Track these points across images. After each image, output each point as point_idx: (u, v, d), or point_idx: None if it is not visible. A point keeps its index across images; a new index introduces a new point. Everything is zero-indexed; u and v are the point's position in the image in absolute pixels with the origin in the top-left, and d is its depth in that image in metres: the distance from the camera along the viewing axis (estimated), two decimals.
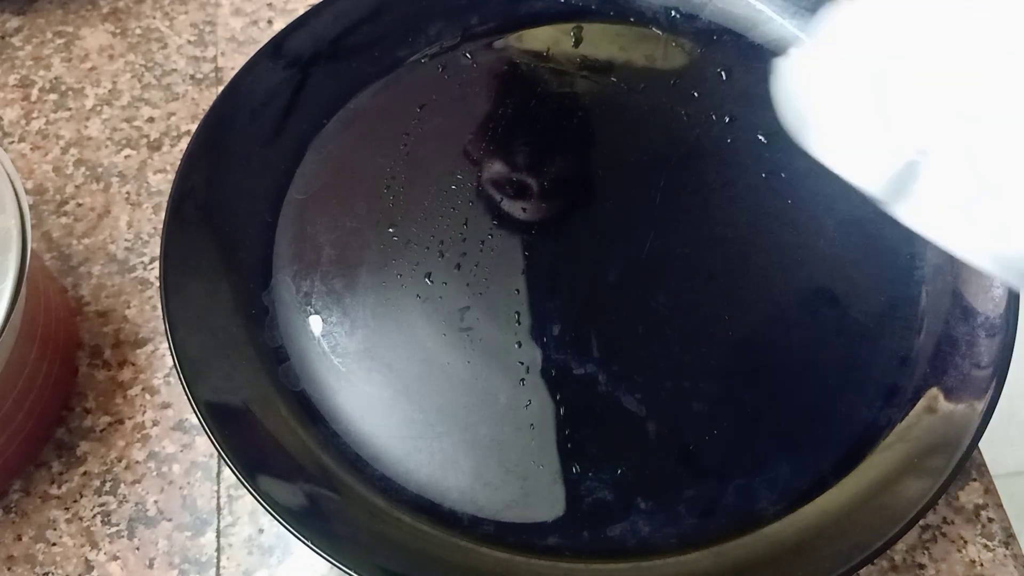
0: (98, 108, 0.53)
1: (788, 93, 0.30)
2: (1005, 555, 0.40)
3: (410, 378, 0.40)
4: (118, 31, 0.57)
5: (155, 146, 0.52)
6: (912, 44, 0.26)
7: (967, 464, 0.42)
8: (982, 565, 0.40)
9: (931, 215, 0.27)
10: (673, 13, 0.50)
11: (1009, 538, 0.41)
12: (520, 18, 0.48)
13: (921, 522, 0.40)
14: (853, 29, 0.29)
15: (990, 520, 0.41)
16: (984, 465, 0.42)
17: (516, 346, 0.41)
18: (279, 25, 0.56)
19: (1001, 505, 0.41)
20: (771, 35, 0.48)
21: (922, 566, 0.40)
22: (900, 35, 0.27)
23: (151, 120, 0.53)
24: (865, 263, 0.43)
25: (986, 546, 0.41)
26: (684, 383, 0.40)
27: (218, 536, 0.41)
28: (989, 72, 0.25)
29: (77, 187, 0.50)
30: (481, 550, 0.36)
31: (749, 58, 0.48)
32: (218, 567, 0.40)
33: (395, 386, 0.40)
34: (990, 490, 0.42)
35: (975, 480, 0.42)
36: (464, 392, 0.39)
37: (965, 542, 0.41)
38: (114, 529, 0.41)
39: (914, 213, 0.27)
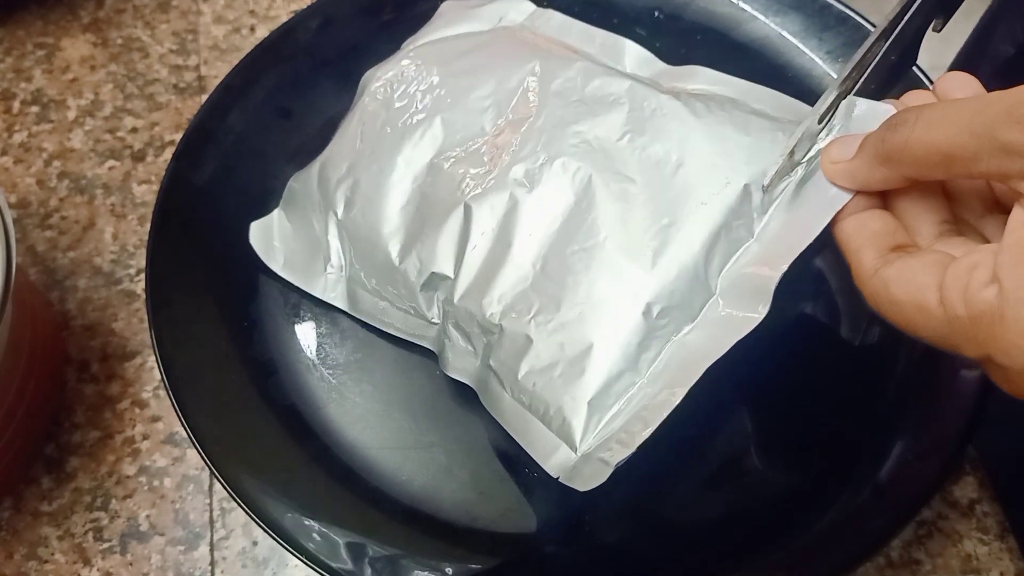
0: (80, 119, 0.53)
1: (267, 234, 0.43)
2: (1001, 548, 0.40)
3: (401, 388, 0.40)
4: (99, 41, 0.56)
5: (139, 157, 0.52)
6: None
7: (961, 459, 0.42)
8: (978, 559, 0.40)
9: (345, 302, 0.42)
10: (656, 14, 0.50)
11: (1004, 532, 0.41)
12: None
13: (917, 518, 0.40)
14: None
15: (985, 514, 0.41)
16: (977, 459, 0.42)
17: None
18: (262, 32, 0.56)
19: (996, 499, 0.41)
20: (755, 33, 0.48)
21: (918, 562, 0.40)
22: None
23: (134, 131, 0.53)
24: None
25: (981, 540, 0.41)
26: None
27: (212, 550, 0.41)
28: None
29: (61, 200, 0.50)
30: (478, 558, 0.36)
31: (734, 57, 0.48)
32: None
33: (386, 397, 0.40)
34: (984, 484, 0.42)
35: (969, 475, 0.42)
36: (456, 400, 0.39)
37: (960, 536, 0.41)
38: (106, 545, 0.41)
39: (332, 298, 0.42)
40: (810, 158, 0.32)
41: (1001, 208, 0.29)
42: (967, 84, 0.30)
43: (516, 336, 0.35)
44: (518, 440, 0.35)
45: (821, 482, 0.38)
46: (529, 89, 0.39)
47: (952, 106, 0.26)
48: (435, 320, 0.39)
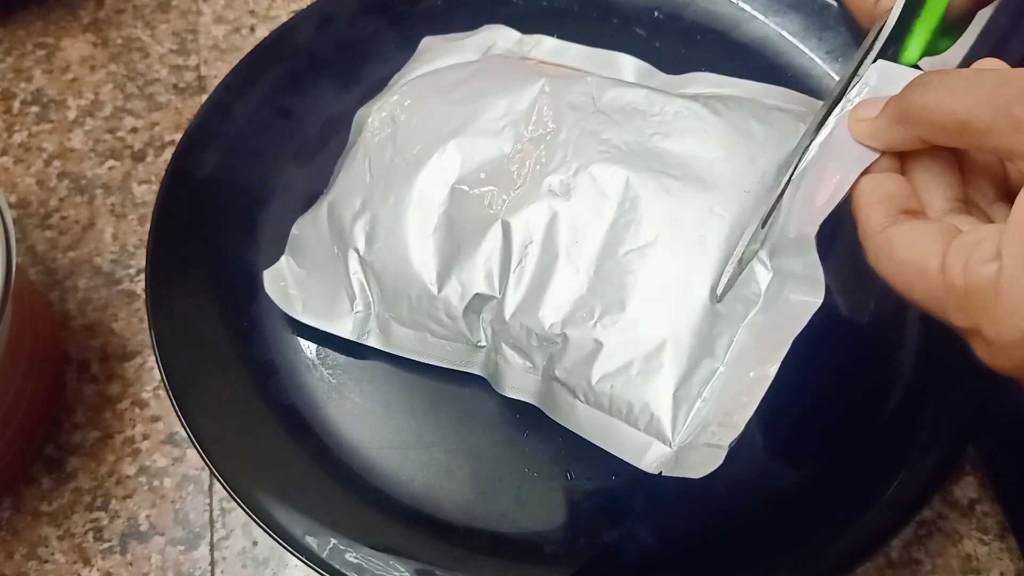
0: (80, 119, 0.53)
1: (280, 282, 0.42)
2: (1000, 548, 0.40)
3: (401, 388, 0.40)
4: (99, 41, 0.56)
5: (139, 156, 0.52)
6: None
7: (961, 459, 0.42)
8: (978, 559, 0.40)
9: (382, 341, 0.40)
10: (656, 14, 0.50)
11: (1004, 532, 0.41)
12: (503, 21, 0.47)
13: (917, 518, 0.40)
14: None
15: (985, 514, 0.41)
16: (977, 459, 0.42)
17: None
18: (262, 32, 0.56)
19: (995, 499, 0.41)
20: (755, 33, 0.48)
21: (918, 562, 0.40)
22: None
23: (134, 130, 0.53)
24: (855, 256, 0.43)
25: (981, 540, 0.41)
26: None
27: (212, 550, 0.41)
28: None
29: (61, 200, 0.50)
30: (478, 558, 0.36)
31: (734, 57, 0.48)
32: None
33: (386, 397, 0.40)
34: (984, 484, 0.42)
35: (969, 475, 0.42)
36: (456, 400, 0.39)
37: (960, 536, 0.41)
38: (106, 545, 0.41)
39: (363, 338, 0.40)
40: (839, 117, 0.32)
41: (1012, 197, 0.29)
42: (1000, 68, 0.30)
43: (583, 342, 0.35)
44: (601, 445, 0.35)
45: (821, 482, 0.38)
46: (544, 106, 0.39)
47: (976, 75, 0.26)
48: (482, 343, 0.38)
